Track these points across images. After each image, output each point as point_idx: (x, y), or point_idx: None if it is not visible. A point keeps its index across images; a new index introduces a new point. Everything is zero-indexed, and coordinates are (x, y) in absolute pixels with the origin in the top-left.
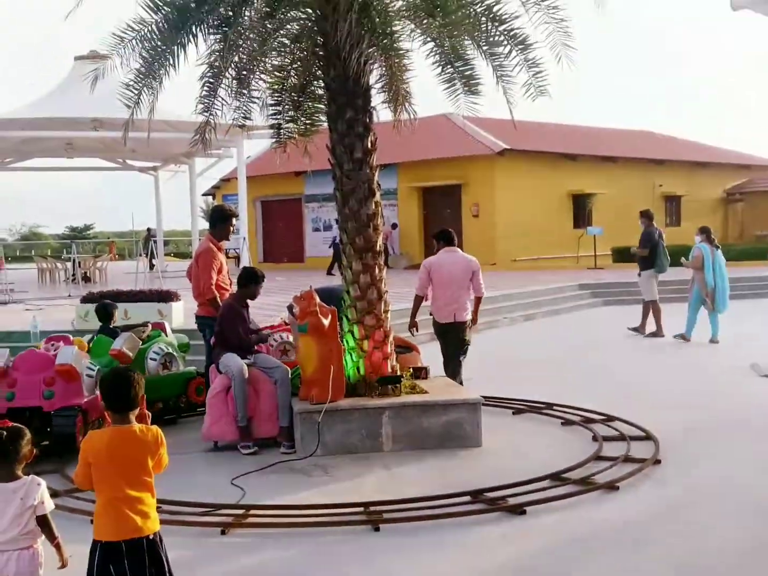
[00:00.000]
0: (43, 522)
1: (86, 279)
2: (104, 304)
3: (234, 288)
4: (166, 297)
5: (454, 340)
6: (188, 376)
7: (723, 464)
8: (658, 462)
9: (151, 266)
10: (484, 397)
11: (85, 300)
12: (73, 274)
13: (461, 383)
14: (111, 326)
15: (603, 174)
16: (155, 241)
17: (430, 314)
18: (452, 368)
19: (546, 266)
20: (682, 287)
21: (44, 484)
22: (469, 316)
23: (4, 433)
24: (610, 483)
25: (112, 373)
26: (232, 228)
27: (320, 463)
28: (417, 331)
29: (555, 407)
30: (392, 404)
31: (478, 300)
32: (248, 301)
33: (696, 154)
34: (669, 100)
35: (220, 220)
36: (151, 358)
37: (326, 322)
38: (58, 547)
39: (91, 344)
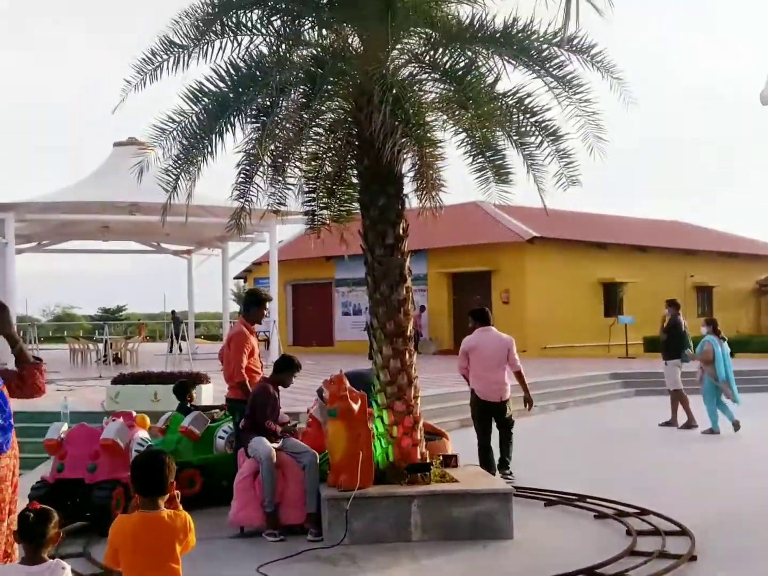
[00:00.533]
0: None
1: (117, 360)
2: (182, 382)
3: (265, 371)
4: (195, 379)
5: (500, 419)
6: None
7: (762, 561)
8: (694, 558)
9: (171, 349)
10: (516, 488)
11: (116, 381)
12: (105, 355)
13: (507, 468)
14: (188, 405)
15: (634, 263)
16: (179, 323)
17: (472, 391)
18: (505, 449)
19: (577, 354)
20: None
21: (69, 569)
22: (509, 394)
23: (31, 515)
24: None
25: (143, 455)
26: (265, 312)
27: (348, 552)
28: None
29: (588, 499)
30: (421, 493)
31: (518, 375)
32: (280, 387)
33: (727, 244)
34: (700, 189)
35: (255, 303)
36: (219, 437)
37: (356, 406)
38: None
39: (168, 422)
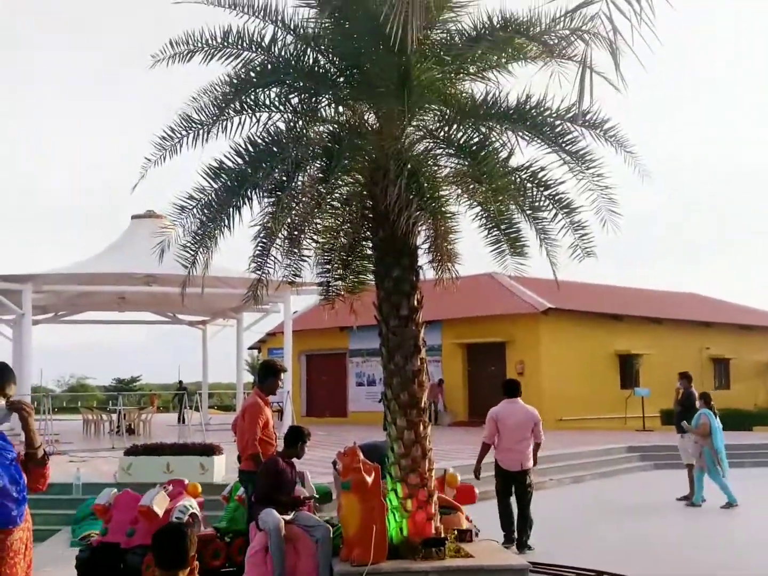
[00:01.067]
0: None
1: (130, 431)
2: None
3: (279, 443)
4: (208, 450)
5: (520, 487)
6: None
7: None
8: None
9: (179, 419)
10: (532, 563)
11: (129, 452)
12: (118, 426)
13: (526, 547)
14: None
15: (650, 335)
16: (186, 393)
17: (495, 461)
18: (523, 525)
19: (593, 427)
20: (732, 452)
21: None
22: (531, 463)
23: None
24: None
25: (164, 528)
26: (280, 383)
27: None
28: (480, 477)
29: (605, 574)
30: (436, 568)
31: (537, 445)
32: (295, 459)
33: (744, 317)
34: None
35: (271, 374)
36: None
37: (369, 479)
38: None
39: (230, 490)
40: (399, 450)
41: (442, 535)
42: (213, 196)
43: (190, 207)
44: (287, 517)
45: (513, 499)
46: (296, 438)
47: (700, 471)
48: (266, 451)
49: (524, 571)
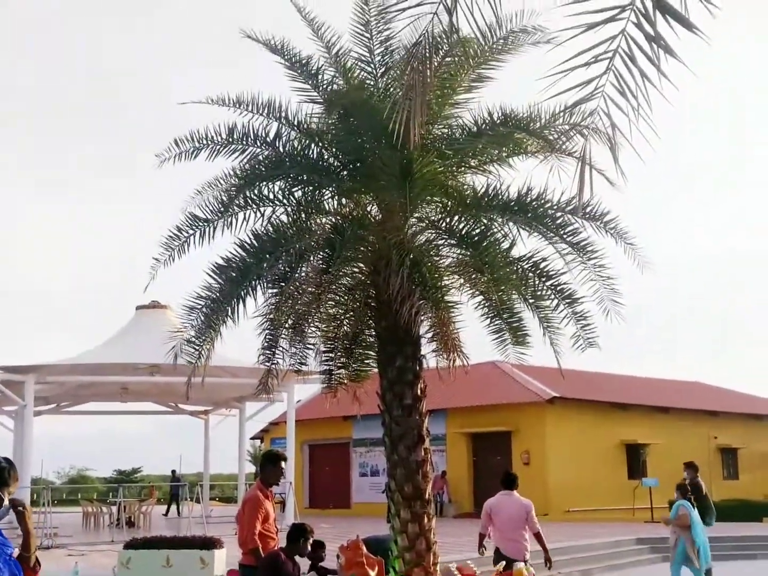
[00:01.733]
0: None
1: (130, 524)
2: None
3: (282, 536)
4: (208, 544)
5: None
6: None
7: None
8: None
9: (169, 511)
10: None
11: (128, 546)
12: (118, 519)
13: None
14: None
15: (656, 424)
16: (179, 484)
17: (496, 550)
18: None
19: (601, 518)
20: (742, 543)
21: None
22: (528, 554)
23: None
24: None
25: None
26: (282, 471)
27: None
28: (485, 552)
29: None
30: None
31: (537, 536)
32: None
33: (751, 406)
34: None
35: (270, 461)
36: None
37: (372, 573)
38: None
39: None
40: (403, 543)
41: None
42: (218, 291)
43: (200, 306)
44: None
45: None
46: (298, 534)
47: (675, 562)
48: (266, 545)
49: None
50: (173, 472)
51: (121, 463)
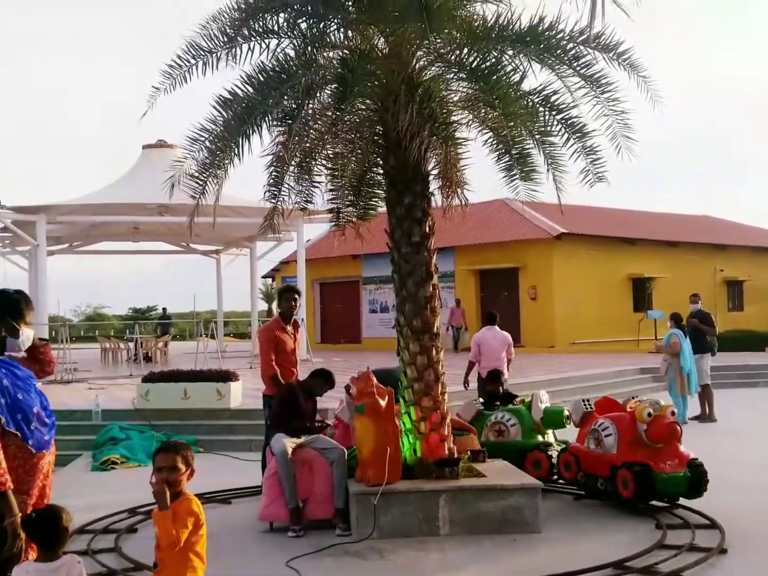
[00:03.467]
0: None
1: (147, 359)
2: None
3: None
4: (224, 377)
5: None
6: (523, 446)
7: None
8: (724, 551)
9: (133, 353)
10: (545, 482)
11: (146, 380)
12: (135, 354)
13: None
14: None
15: (663, 258)
16: (168, 323)
17: (478, 375)
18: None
19: (605, 350)
20: (744, 372)
21: (83, 562)
22: (507, 376)
23: (34, 515)
24: (673, 572)
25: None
26: (293, 304)
27: (376, 547)
28: (468, 386)
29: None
30: (449, 488)
31: (509, 361)
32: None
33: (757, 238)
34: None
35: (282, 295)
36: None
37: (383, 403)
38: None
39: None
40: (412, 374)
41: (456, 456)
42: (222, 125)
43: (203, 139)
44: (300, 440)
45: None
46: (319, 374)
47: (671, 388)
48: (285, 375)
49: (536, 489)
50: (164, 309)
51: (136, 302)
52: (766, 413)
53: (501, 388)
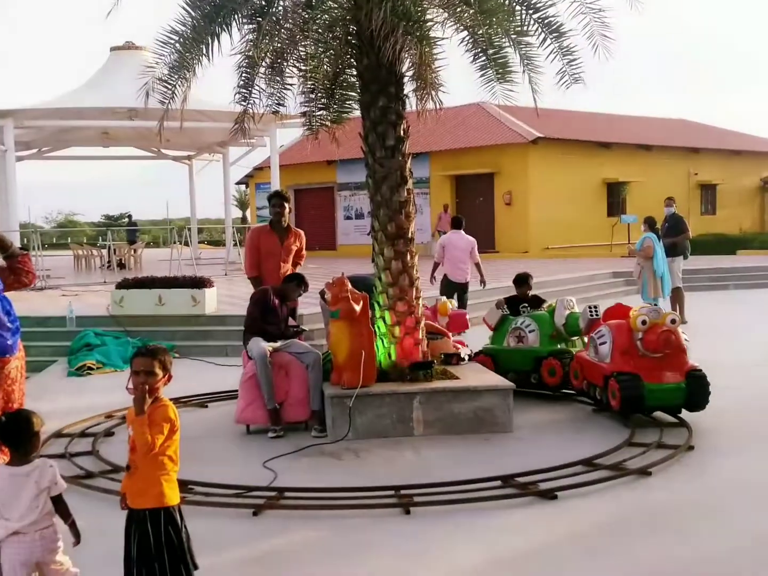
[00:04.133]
0: (57, 501)
1: (121, 266)
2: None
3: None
4: (199, 283)
5: (462, 295)
6: (537, 354)
7: (757, 452)
8: (691, 448)
9: (106, 260)
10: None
11: (120, 286)
12: (108, 261)
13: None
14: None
15: (637, 162)
16: (135, 230)
17: (444, 275)
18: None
19: (579, 254)
20: (716, 275)
21: (56, 466)
22: (470, 278)
23: (3, 419)
24: (642, 469)
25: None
26: (281, 210)
27: (351, 447)
28: (435, 282)
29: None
30: (423, 390)
31: (477, 265)
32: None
33: (732, 142)
34: (704, 88)
35: (269, 200)
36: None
37: (358, 307)
38: (72, 525)
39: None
40: (387, 279)
41: (430, 359)
42: (191, 26)
43: (173, 41)
44: (277, 345)
45: None
46: (293, 279)
47: (644, 291)
48: (270, 280)
49: (508, 390)
50: (129, 217)
51: (108, 209)
52: (737, 314)
53: (528, 291)
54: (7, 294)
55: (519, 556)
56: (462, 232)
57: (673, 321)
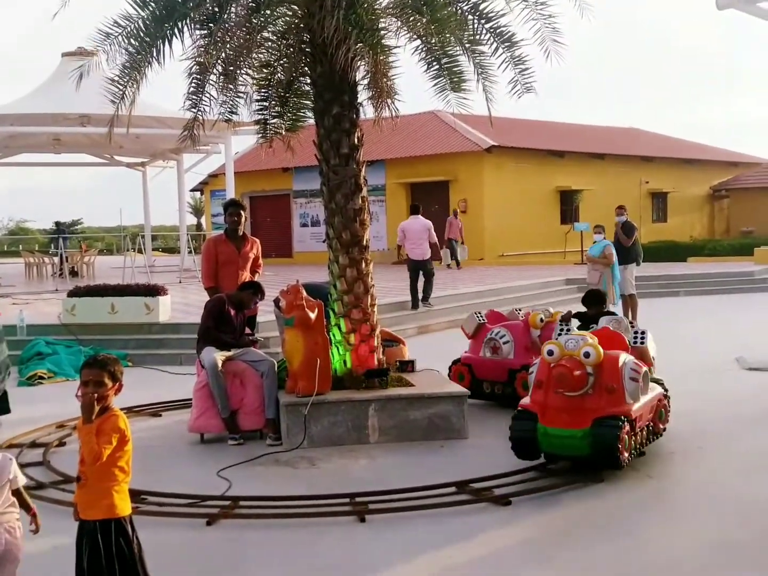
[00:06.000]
0: (18, 494)
1: (73, 273)
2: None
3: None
4: (153, 291)
5: (425, 270)
6: (657, 397)
7: (711, 457)
8: (643, 454)
9: (58, 268)
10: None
11: (72, 294)
12: (60, 269)
13: (428, 301)
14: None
15: (590, 171)
16: (64, 236)
17: (406, 256)
18: (426, 289)
19: (533, 261)
20: (667, 282)
21: (14, 459)
22: (428, 255)
23: None
24: (595, 475)
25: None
26: (238, 219)
27: (306, 455)
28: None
29: None
30: (378, 397)
31: (434, 246)
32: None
33: (683, 151)
34: (654, 95)
35: (224, 209)
36: (630, 378)
37: (312, 315)
38: (35, 515)
39: None
40: (341, 287)
41: (385, 367)
42: (141, 25)
43: (116, 35)
44: (229, 354)
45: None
46: (247, 287)
47: None
48: (226, 288)
49: (463, 397)
50: (57, 224)
51: (60, 216)
52: (687, 321)
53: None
54: None
55: (474, 561)
56: (420, 216)
57: (586, 354)
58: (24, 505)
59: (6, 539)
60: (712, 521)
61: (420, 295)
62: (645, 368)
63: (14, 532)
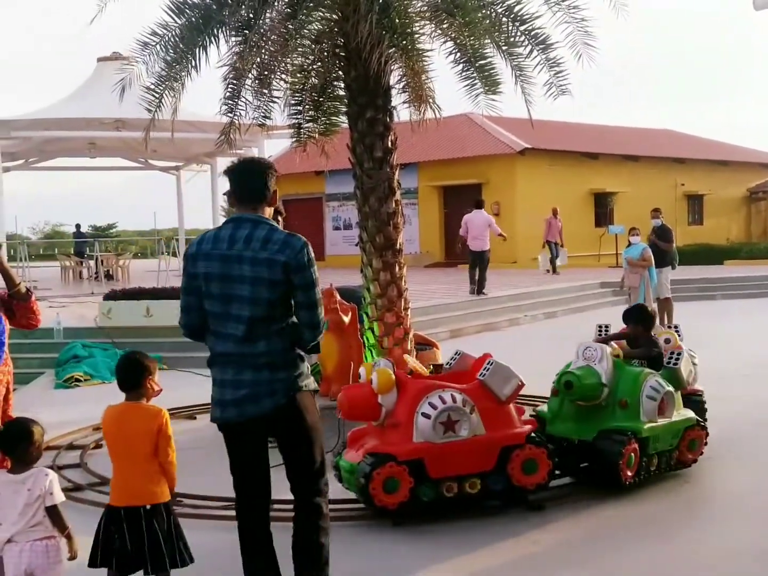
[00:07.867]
0: (52, 513)
1: (109, 277)
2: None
3: None
4: None
5: (481, 260)
6: (687, 424)
7: (752, 463)
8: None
9: (94, 271)
10: None
11: (108, 297)
12: (96, 272)
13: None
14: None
15: (625, 173)
16: (84, 240)
17: (468, 248)
18: (480, 279)
19: (568, 264)
20: (704, 285)
21: (53, 475)
22: (487, 247)
23: (2, 429)
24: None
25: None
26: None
27: None
28: (461, 249)
29: None
30: None
31: (501, 235)
32: None
33: (718, 152)
34: (690, 98)
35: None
36: (648, 396)
37: (346, 319)
38: (68, 538)
39: None
40: (375, 291)
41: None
42: (177, 34)
43: (154, 44)
44: None
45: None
46: None
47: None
48: None
49: None
50: (77, 226)
51: (95, 219)
52: (725, 325)
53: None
54: None
55: (507, 564)
56: (483, 211)
57: (411, 372)
58: (58, 525)
59: (30, 560)
60: (748, 529)
61: (476, 284)
62: (669, 388)
63: (42, 554)
